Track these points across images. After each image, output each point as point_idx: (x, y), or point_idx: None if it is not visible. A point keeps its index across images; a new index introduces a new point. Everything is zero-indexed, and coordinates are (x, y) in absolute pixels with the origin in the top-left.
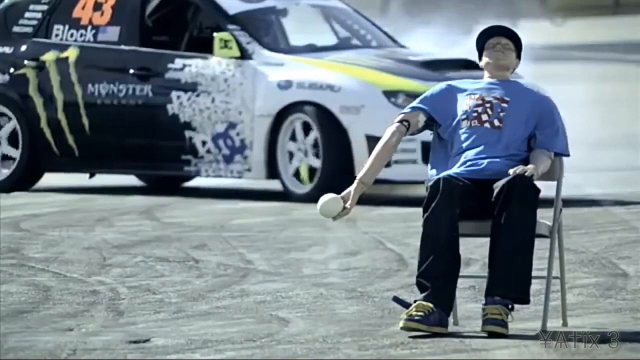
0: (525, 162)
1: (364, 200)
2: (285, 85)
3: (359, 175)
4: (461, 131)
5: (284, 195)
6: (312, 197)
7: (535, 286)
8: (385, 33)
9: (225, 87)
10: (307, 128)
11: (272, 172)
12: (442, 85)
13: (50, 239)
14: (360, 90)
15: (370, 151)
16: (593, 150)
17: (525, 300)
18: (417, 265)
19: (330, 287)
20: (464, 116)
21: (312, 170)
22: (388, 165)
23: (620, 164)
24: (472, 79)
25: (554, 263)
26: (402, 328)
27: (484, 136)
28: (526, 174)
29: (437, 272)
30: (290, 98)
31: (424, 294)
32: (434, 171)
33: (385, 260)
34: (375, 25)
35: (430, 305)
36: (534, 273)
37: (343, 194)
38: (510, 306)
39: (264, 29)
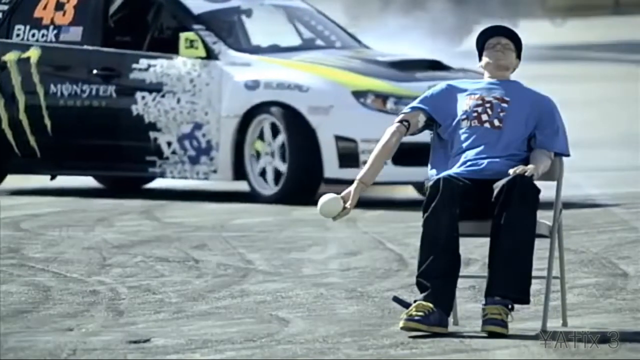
0: (525, 162)
1: (364, 200)
2: (253, 86)
3: (358, 175)
4: (461, 131)
5: (251, 197)
6: (278, 199)
7: (535, 286)
8: (349, 34)
9: (191, 88)
10: (275, 129)
11: (239, 173)
12: (442, 85)
13: (50, 239)
14: (329, 90)
15: (339, 152)
16: (593, 150)
17: (525, 301)
18: (417, 265)
19: (330, 287)
20: (464, 116)
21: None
22: (357, 166)
23: (620, 164)
24: (472, 79)
25: (554, 263)
26: (402, 328)
27: (484, 136)
28: (526, 174)
29: (437, 272)
30: (257, 98)
31: (424, 294)
32: (434, 171)
33: (385, 260)
34: (339, 26)
35: (430, 305)
36: (534, 273)
37: (343, 193)
38: (510, 306)
39: (229, 29)
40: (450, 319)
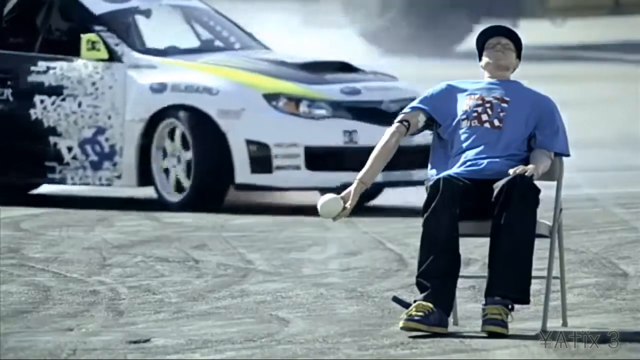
0: (525, 162)
1: (364, 200)
2: (159, 89)
3: (358, 175)
4: (461, 131)
5: (158, 204)
6: (187, 205)
7: (535, 286)
8: (249, 34)
9: (93, 91)
10: (184, 132)
11: (145, 179)
12: (442, 85)
13: (50, 239)
14: (240, 93)
15: (250, 156)
16: (593, 150)
17: (525, 301)
18: (417, 265)
19: (330, 287)
20: (464, 116)
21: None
22: (269, 171)
23: (620, 164)
24: (472, 80)
25: (554, 263)
26: (402, 328)
27: (484, 136)
28: (526, 174)
29: (437, 272)
30: (164, 102)
31: (424, 294)
32: (434, 171)
33: (385, 260)
34: (239, 27)
35: (430, 305)
36: (534, 273)
37: (343, 194)
38: (510, 306)
39: (131, 30)
40: (450, 319)
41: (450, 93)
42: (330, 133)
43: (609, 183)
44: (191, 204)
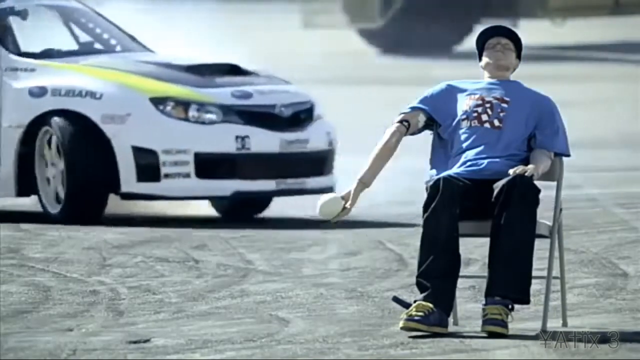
0: (525, 162)
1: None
2: (39, 93)
3: (358, 176)
4: (461, 131)
5: (41, 215)
6: (66, 217)
7: (535, 286)
8: (130, 36)
9: None
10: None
11: (24, 188)
12: (442, 85)
13: (50, 239)
14: (125, 97)
15: (137, 164)
16: (593, 150)
17: (526, 301)
18: (417, 265)
19: (330, 287)
20: (464, 116)
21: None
22: (157, 179)
23: (620, 164)
24: (472, 80)
25: (554, 263)
26: (402, 328)
27: (484, 136)
28: (526, 174)
29: (437, 272)
30: (44, 107)
31: (424, 294)
32: (434, 171)
33: (385, 260)
34: (119, 29)
35: (430, 305)
36: (534, 273)
37: (343, 193)
38: (510, 306)
39: (6, 31)
40: (450, 319)
41: (450, 93)
42: (222, 139)
43: (609, 183)
44: (70, 215)
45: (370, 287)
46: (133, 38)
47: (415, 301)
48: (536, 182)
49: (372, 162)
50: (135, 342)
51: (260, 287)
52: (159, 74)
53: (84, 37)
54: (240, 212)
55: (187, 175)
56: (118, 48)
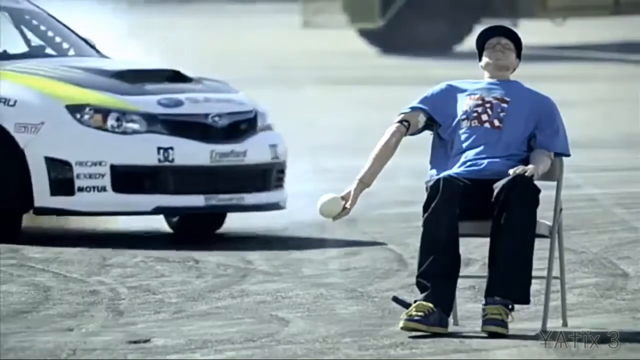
0: (525, 162)
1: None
2: None
3: (358, 176)
4: (461, 131)
5: None
6: None
7: (535, 286)
8: (85, 40)
9: None
10: None
11: None
12: (442, 85)
13: (50, 239)
14: (40, 104)
15: (50, 177)
16: (593, 150)
17: (526, 301)
18: (417, 265)
19: (330, 287)
20: (464, 116)
21: None
22: (71, 193)
23: (620, 164)
24: (472, 80)
25: (554, 263)
26: (402, 328)
27: (484, 136)
28: (526, 174)
29: (437, 272)
30: None
31: (424, 294)
32: (434, 171)
33: (385, 260)
34: (74, 33)
35: (430, 305)
36: (534, 273)
37: (343, 193)
38: (510, 306)
39: None
40: (450, 319)
41: (450, 93)
42: (142, 150)
43: (609, 183)
44: None
45: (370, 287)
46: (88, 43)
47: (415, 301)
48: (536, 182)
49: (372, 162)
50: (135, 342)
51: (260, 287)
52: (82, 80)
53: (36, 41)
54: (195, 229)
55: (103, 189)
56: (71, 52)
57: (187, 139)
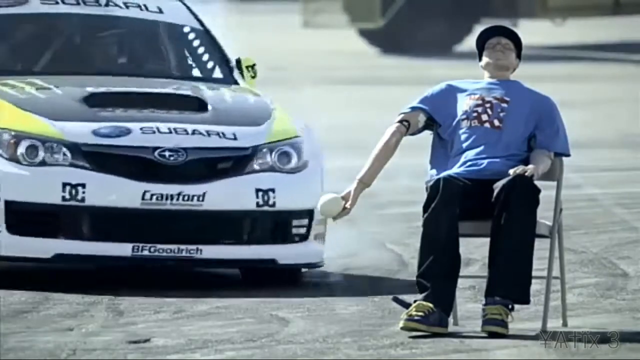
0: (525, 162)
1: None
2: None
3: (358, 176)
4: (461, 131)
5: None
6: None
7: (535, 286)
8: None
9: None
10: None
11: None
12: (442, 85)
13: None
14: None
15: None
16: (593, 150)
17: (526, 301)
18: (417, 266)
19: (330, 287)
20: (464, 116)
21: None
22: None
23: (620, 164)
24: (472, 80)
25: (554, 263)
26: (402, 328)
27: (484, 136)
28: (526, 174)
29: (437, 272)
30: None
31: (424, 294)
32: (434, 171)
33: (385, 261)
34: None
35: (430, 305)
36: (534, 273)
37: (343, 193)
38: (510, 306)
39: None
40: (450, 319)
41: (450, 93)
42: (44, 186)
43: (609, 183)
44: None
45: (370, 287)
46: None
47: (415, 301)
48: (536, 182)
49: (372, 162)
50: (135, 342)
51: (260, 287)
52: (28, 101)
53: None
54: None
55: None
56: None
57: (115, 176)
